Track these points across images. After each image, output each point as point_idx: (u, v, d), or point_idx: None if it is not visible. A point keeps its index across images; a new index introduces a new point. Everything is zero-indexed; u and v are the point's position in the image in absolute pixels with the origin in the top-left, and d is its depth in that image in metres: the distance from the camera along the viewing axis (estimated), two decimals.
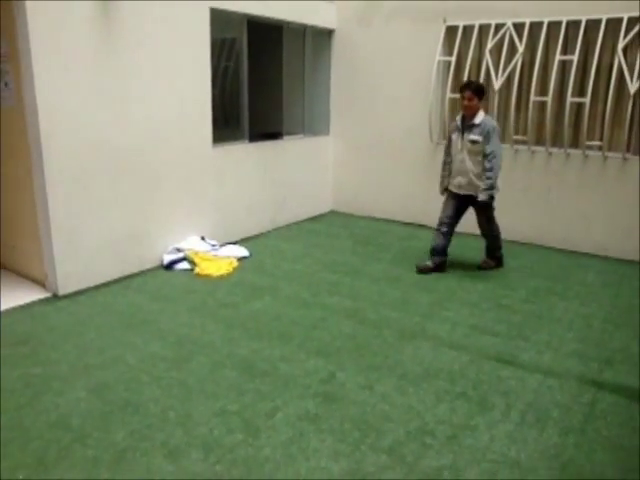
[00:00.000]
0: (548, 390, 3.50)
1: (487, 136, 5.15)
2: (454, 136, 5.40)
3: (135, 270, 5.39)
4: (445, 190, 5.59)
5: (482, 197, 5.24)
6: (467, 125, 5.25)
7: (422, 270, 5.57)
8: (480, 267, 5.75)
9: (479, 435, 3.03)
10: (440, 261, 5.59)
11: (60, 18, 4.42)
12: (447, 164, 5.53)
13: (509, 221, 6.54)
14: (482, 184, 5.22)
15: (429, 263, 5.61)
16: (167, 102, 5.41)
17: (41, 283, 4.92)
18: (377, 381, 3.55)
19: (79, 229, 4.82)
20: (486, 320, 4.52)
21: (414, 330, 4.30)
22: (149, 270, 5.48)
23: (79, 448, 2.86)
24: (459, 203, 5.49)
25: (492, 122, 5.27)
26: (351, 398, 3.35)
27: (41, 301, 4.70)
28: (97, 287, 4.99)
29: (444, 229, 5.52)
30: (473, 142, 5.22)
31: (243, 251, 6.02)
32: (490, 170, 5.17)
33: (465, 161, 5.29)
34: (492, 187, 5.21)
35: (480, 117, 5.22)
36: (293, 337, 4.14)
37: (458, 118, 5.39)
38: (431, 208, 7.07)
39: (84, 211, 4.83)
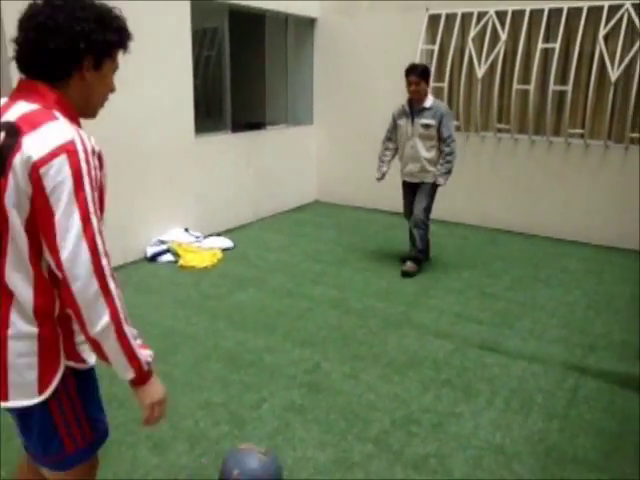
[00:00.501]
0: (532, 376, 3.54)
1: (440, 119, 5.00)
2: (402, 122, 5.18)
3: (119, 262, 5.33)
4: (383, 176, 5.42)
5: (442, 182, 5.10)
6: (417, 110, 5.07)
7: (408, 274, 5.22)
8: (405, 274, 5.22)
9: (464, 422, 3.05)
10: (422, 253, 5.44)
11: None
12: (389, 150, 5.38)
13: (492, 209, 6.58)
14: (441, 168, 5.07)
15: (411, 267, 5.25)
16: (148, 93, 5.34)
17: None
18: (362, 370, 3.55)
19: None
20: (471, 308, 4.55)
21: (399, 319, 4.32)
22: (133, 262, 5.43)
23: None
24: (414, 192, 5.32)
25: (444, 105, 5.21)
26: (337, 388, 3.35)
27: None
28: None
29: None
30: (426, 126, 5.03)
31: (227, 242, 5.99)
32: (450, 154, 5.04)
33: (417, 147, 5.10)
34: (450, 171, 5.09)
35: (430, 100, 5.06)
36: (278, 328, 4.13)
37: (404, 103, 5.21)
38: None
39: None
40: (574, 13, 6.04)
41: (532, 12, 6.22)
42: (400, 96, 7.01)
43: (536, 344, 3.97)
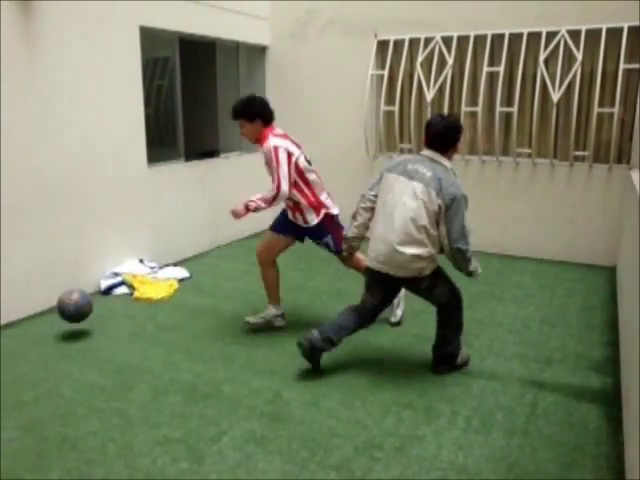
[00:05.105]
0: (492, 394, 3.57)
1: None
2: None
3: None
4: None
5: None
6: None
7: None
8: None
9: (426, 444, 3.04)
10: None
11: None
12: None
13: None
14: None
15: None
16: (98, 123, 5.26)
17: None
18: (323, 396, 3.52)
19: (9, 259, 4.59)
20: (430, 328, 4.54)
21: (359, 342, 4.29)
22: None
23: None
24: None
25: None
26: (297, 416, 3.31)
27: None
28: (30, 317, 4.77)
29: None
30: None
31: (183, 272, 5.89)
32: None
33: None
34: None
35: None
36: (237, 357, 4.06)
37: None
38: None
39: (13, 239, 4.61)
40: (515, 38, 6.27)
41: (476, 37, 6.43)
42: (352, 120, 7.12)
43: (494, 361, 4.02)
